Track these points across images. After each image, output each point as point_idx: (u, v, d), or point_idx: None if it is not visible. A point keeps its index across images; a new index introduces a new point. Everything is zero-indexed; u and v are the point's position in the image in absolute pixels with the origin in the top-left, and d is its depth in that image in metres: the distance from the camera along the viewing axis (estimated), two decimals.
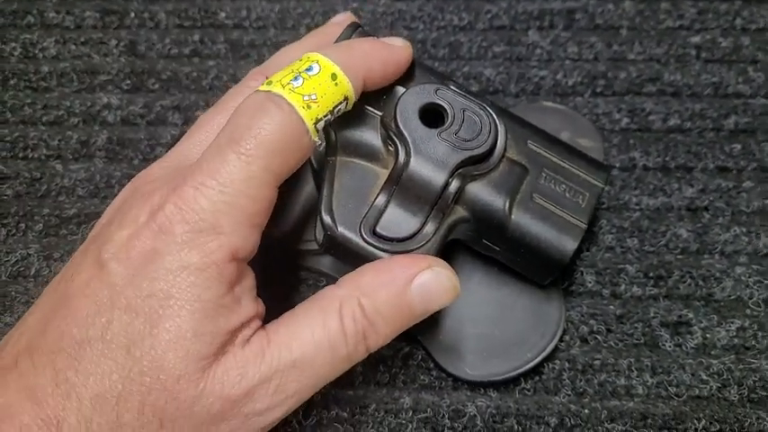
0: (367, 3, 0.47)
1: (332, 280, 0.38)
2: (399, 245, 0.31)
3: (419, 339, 0.36)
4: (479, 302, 0.37)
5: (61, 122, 0.44)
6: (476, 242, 0.35)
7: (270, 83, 0.29)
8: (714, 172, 0.41)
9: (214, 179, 0.27)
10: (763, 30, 0.45)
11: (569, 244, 0.33)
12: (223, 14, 0.47)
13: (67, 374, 0.26)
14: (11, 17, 0.47)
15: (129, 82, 0.45)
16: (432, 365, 0.36)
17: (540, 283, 0.36)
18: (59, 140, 0.43)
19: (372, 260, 0.31)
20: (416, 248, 0.31)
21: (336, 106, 0.30)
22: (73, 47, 0.46)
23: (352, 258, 0.32)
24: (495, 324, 0.36)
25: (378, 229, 0.31)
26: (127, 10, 0.47)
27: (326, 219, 0.31)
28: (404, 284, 0.29)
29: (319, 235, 0.33)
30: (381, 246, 0.31)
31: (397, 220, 0.31)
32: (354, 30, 0.34)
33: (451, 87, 0.33)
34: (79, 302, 0.27)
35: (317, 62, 0.30)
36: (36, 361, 0.26)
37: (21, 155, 0.43)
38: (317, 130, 0.29)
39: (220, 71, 0.45)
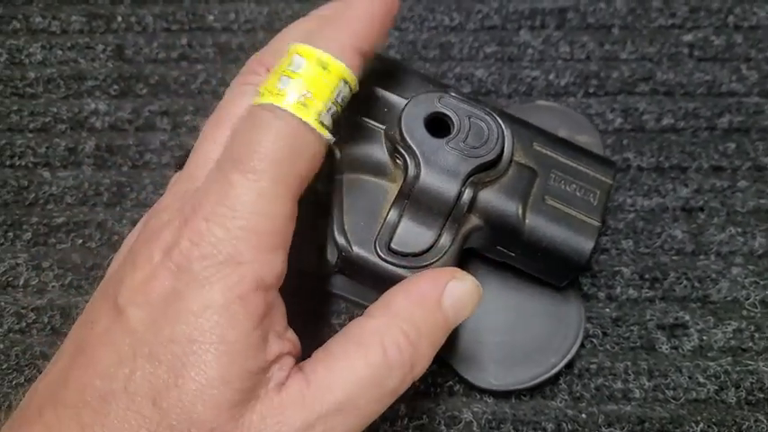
0: None
1: (343, 300, 0.37)
2: (416, 259, 0.31)
3: (439, 353, 0.35)
4: (496, 310, 0.36)
5: (48, 129, 0.43)
6: (489, 249, 0.34)
7: (260, 94, 0.27)
8: (708, 172, 0.41)
9: (224, 205, 0.25)
10: (755, 27, 0.45)
11: (586, 243, 0.32)
12: (211, 17, 0.46)
13: (94, 429, 0.24)
14: None
15: (116, 87, 0.44)
16: (427, 372, 0.36)
17: (556, 286, 0.36)
18: (47, 147, 0.42)
19: (390, 277, 0.30)
20: (434, 261, 0.31)
21: (337, 94, 0.27)
22: (59, 52, 0.46)
23: (368, 278, 0.31)
24: (515, 330, 0.36)
25: (393, 246, 0.31)
26: (114, 14, 0.47)
27: (340, 240, 0.31)
28: (436, 300, 0.28)
29: (332, 256, 0.32)
30: (398, 262, 0.30)
31: (412, 234, 0.31)
32: None
33: (452, 94, 0.32)
34: (99, 352, 0.25)
35: (299, 54, 0.27)
36: (60, 414, 0.25)
37: (8, 162, 0.42)
38: (325, 125, 0.27)
39: (209, 75, 0.44)
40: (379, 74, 0.33)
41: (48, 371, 0.27)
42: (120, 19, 0.47)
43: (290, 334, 0.28)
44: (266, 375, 0.26)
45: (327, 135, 0.27)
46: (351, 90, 0.28)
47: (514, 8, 0.46)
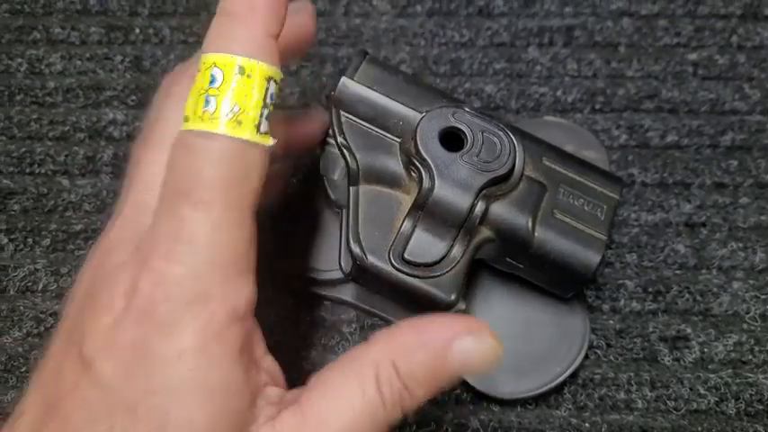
0: (369, 19, 0.48)
1: (355, 309, 0.38)
2: (429, 269, 0.32)
3: None
4: (503, 319, 0.37)
5: (67, 138, 0.44)
6: (498, 261, 0.35)
7: (186, 119, 0.25)
8: (711, 188, 0.42)
9: (180, 243, 0.24)
10: (758, 47, 0.46)
11: (593, 257, 0.33)
12: None
13: None
14: (17, 33, 0.48)
15: (134, 97, 0.45)
16: None
17: (562, 297, 0.37)
18: (66, 156, 0.43)
19: (403, 286, 0.31)
20: (446, 272, 0.32)
21: (266, 96, 0.26)
22: (78, 62, 0.47)
23: (381, 286, 0.32)
24: (522, 340, 0.36)
25: (406, 256, 0.32)
26: (132, 26, 0.48)
27: (356, 249, 0.32)
28: (443, 347, 0.26)
29: (346, 265, 0.33)
30: (411, 272, 0.31)
31: (425, 245, 0.32)
32: (363, 57, 0.35)
33: (466, 109, 0.33)
34: (72, 409, 0.24)
35: (216, 66, 0.25)
36: None
37: (27, 170, 0.43)
38: (263, 132, 0.26)
39: None
40: (394, 88, 0.34)
41: (15, 424, 0.25)
42: (137, 31, 0.48)
43: (269, 361, 0.27)
44: (254, 410, 0.25)
45: (269, 141, 0.26)
46: (278, 84, 0.26)
47: (523, 26, 0.47)
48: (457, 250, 0.32)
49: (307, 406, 0.25)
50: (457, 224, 0.32)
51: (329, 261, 0.36)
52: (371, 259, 0.32)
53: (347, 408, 0.25)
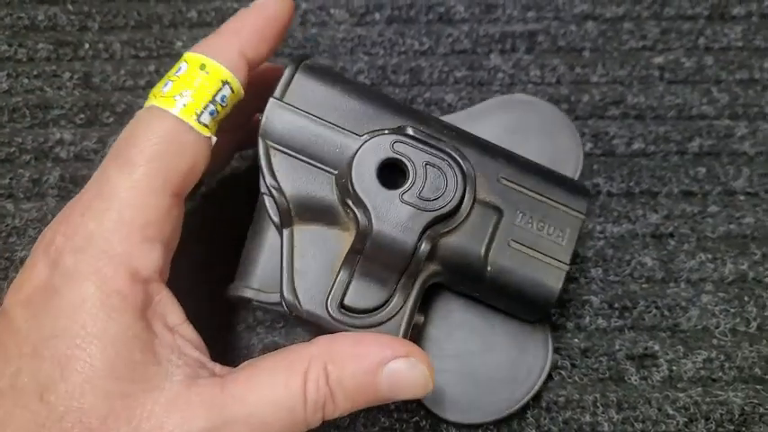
0: (326, 28, 0.46)
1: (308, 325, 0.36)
2: (369, 318, 0.30)
3: None
4: (461, 339, 0.35)
5: (12, 160, 0.42)
6: (452, 287, 0.33)
7: (147, 99, 0.29)
8: (679, 197, 0.40)
9: (99, 198, 0.27)
10: (726, 49, 0.44)
11: (552, 289, 0.31)
12: (180, 44, 0.46)
13: None
14: None
15: (82, 116, 0.44)
16: (393, 407, 0.35)
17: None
18: (10, 179, 0.42)
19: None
20: (389, 319, 0.30)
21: (216, 94, 0.29)
22: (25, 80, 0.45)
23: (321, 332, 0.30)
24: (480, 361, 0.35)
25: (346, 302, 0.30)
26: (81, 41, 0.46)
27: (289, 298, 0.30)
28: (376, 364, 0.27)
29: (284, 308, 0.31)
30: (350, 321, 0.29)
31: (365, 291, 0.30)
32: (297, 66, 0.31)
33: (410, 133, 0.31)
34: None
35: (185, 60, 0.30)
36: None
37: None
38: (204, 124, 0.29)
39: None
40: (332, 104, 0.31)
41: None
42: (87, 46, 0.46)
43: (187, 329, 0.28)
44: (163, 367, 0.26)
45: (207, 133, 0.29)
46: (233, 91, 0.30)
47: (485, 32, 0.46)
48: (399, 296, 0.30)
49: (230, 380, 0.26)
50: (399, 268, 0.30)
51: (275, 281, 0.34)
52: (307, 308, 0.30)
53: (268, 393, 0.26)
